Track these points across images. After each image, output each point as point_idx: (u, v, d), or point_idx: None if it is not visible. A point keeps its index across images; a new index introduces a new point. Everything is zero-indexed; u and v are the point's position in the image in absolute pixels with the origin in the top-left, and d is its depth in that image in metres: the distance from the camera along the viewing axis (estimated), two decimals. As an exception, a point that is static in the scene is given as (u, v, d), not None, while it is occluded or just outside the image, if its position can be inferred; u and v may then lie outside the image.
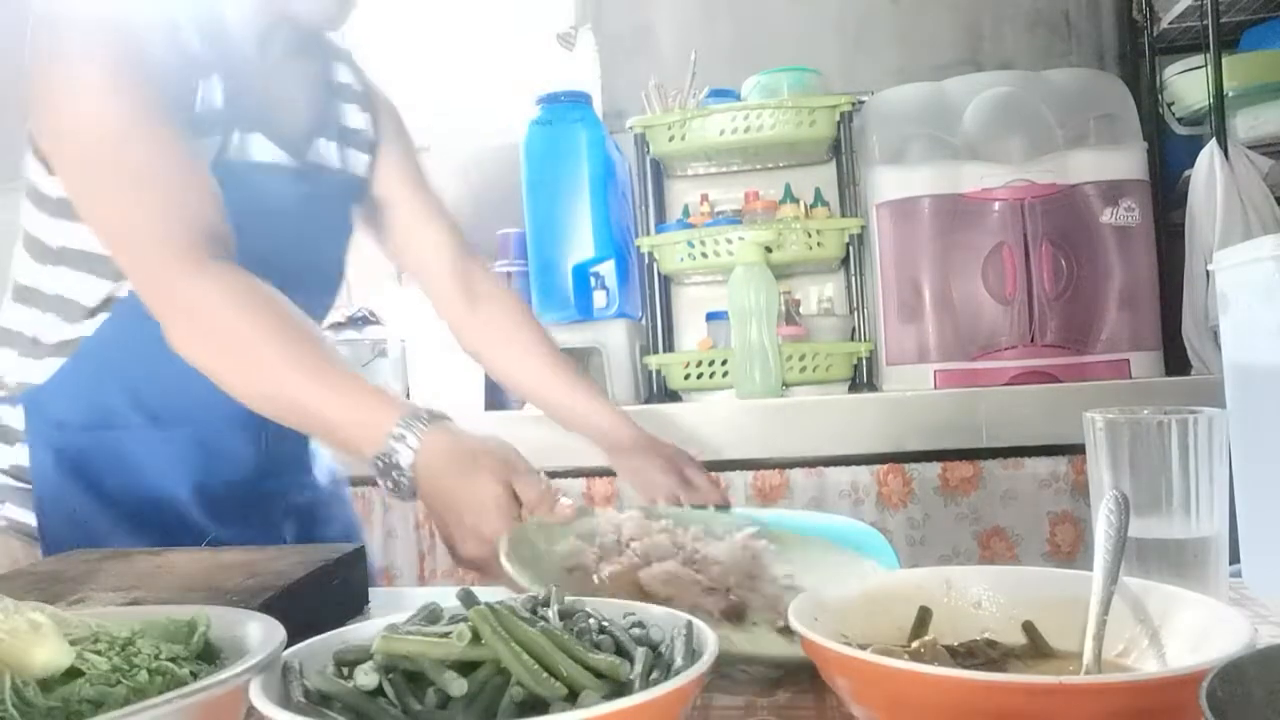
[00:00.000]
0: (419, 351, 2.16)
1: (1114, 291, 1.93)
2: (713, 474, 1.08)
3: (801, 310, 2.23)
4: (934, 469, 1.71)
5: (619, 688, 0.44)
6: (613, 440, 1.11)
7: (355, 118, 1.12)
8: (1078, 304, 1.92)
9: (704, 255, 2.06)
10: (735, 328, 1.94)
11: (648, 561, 0.70)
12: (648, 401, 2.09)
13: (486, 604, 0.47)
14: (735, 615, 0.66)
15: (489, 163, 2.42)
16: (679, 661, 0.46)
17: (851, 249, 2.08)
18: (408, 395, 2.17)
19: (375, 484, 1.03)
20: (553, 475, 1.84)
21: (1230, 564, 0.66)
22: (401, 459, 0.77)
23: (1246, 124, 2.05)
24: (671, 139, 2.11)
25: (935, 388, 1.93)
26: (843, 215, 2.12)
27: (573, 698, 0.43)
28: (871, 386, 2.03)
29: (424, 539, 1.86)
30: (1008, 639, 0.54)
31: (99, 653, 0.46)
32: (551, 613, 0.50)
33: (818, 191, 2.19)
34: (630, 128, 2.15)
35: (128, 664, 0.46)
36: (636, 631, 0.50)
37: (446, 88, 2.54)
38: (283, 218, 0.99)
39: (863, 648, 0.47)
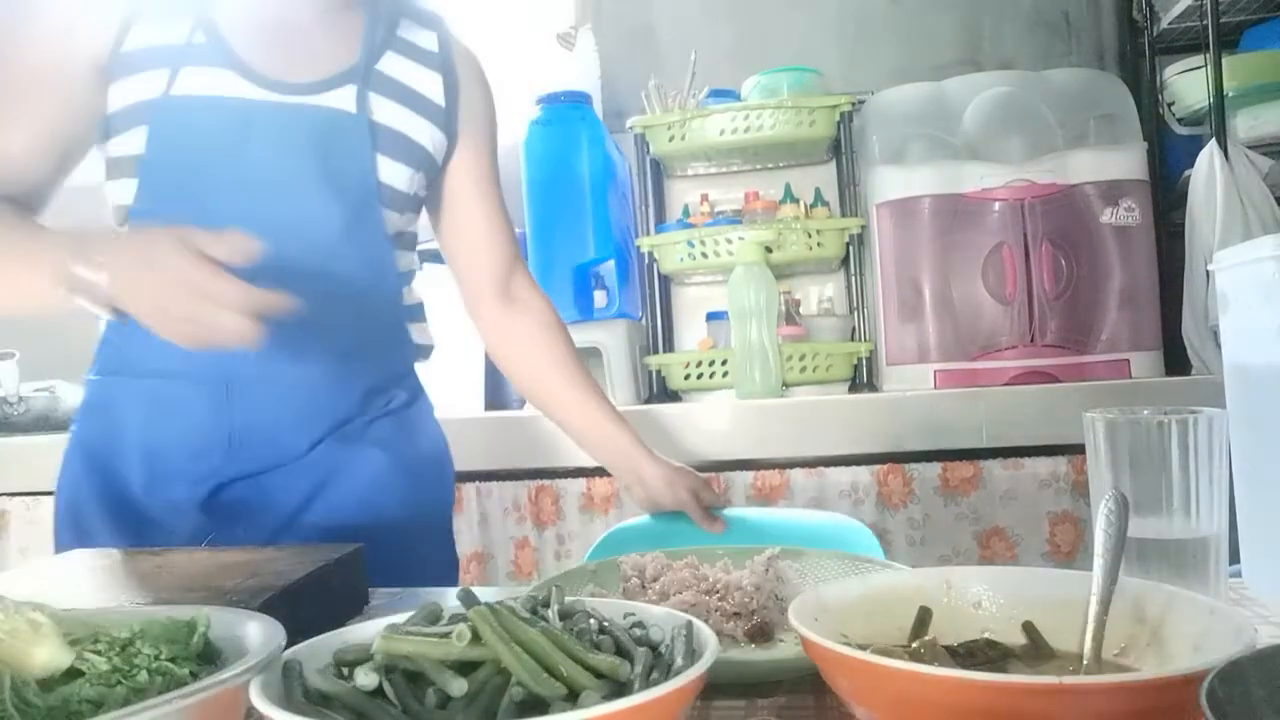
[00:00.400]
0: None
1: (1114, 291, 1.93)
2: (712, 475, 1.08)
3: (801, 310, 2.23)
4: (934, 469, 1.71)
5: (619, 688, 0.44)
6: (626, 470, 1.11)
7: (413, 75, 1.07)
8: (1078, 304, 1.92)
9: (704, 255, 2.06)
10: (735, 328, 1.94)
11: (666, 596, 0.70)
12: (648, 401, 2.09)
13: (486, 604, 0.47)
14: (761, 635, 0.66)
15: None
16: (679, 661, 0.46)
17: (851, 249, 2.08)
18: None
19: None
20: (553, 476, 1.84)
21: (1230, 564, 0.66)
22: (94, 277, 0.80)
23: (1246, 124, 2.05)
24: (671, 139, 2.11)
25: (935, 388, 1.93)
26: (843, 215, 2.12)
27: (573, 698, 0.43)
28: (871, 386, 2.04)
29: (424, 539, 1.86)
30: (1008, 639, 0.54)
31: (99, 653, 0.46)
32: (551, 613, 0.50)
33: (818, 191, 2.19)
34: (630, 128, 2.15)
35: (128, 664, 0.46)
36: (636, 631, 0.50)
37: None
38: (255, 152, 0.97)
39: (863, 648, 0.47)
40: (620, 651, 0.47)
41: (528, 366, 1.17)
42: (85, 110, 0.97)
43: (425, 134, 1.07)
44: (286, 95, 0.98)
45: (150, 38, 0.97)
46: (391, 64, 1.06)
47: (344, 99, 1.00)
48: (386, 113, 1.03)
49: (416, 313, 1.15)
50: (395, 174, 1.04)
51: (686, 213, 2.26)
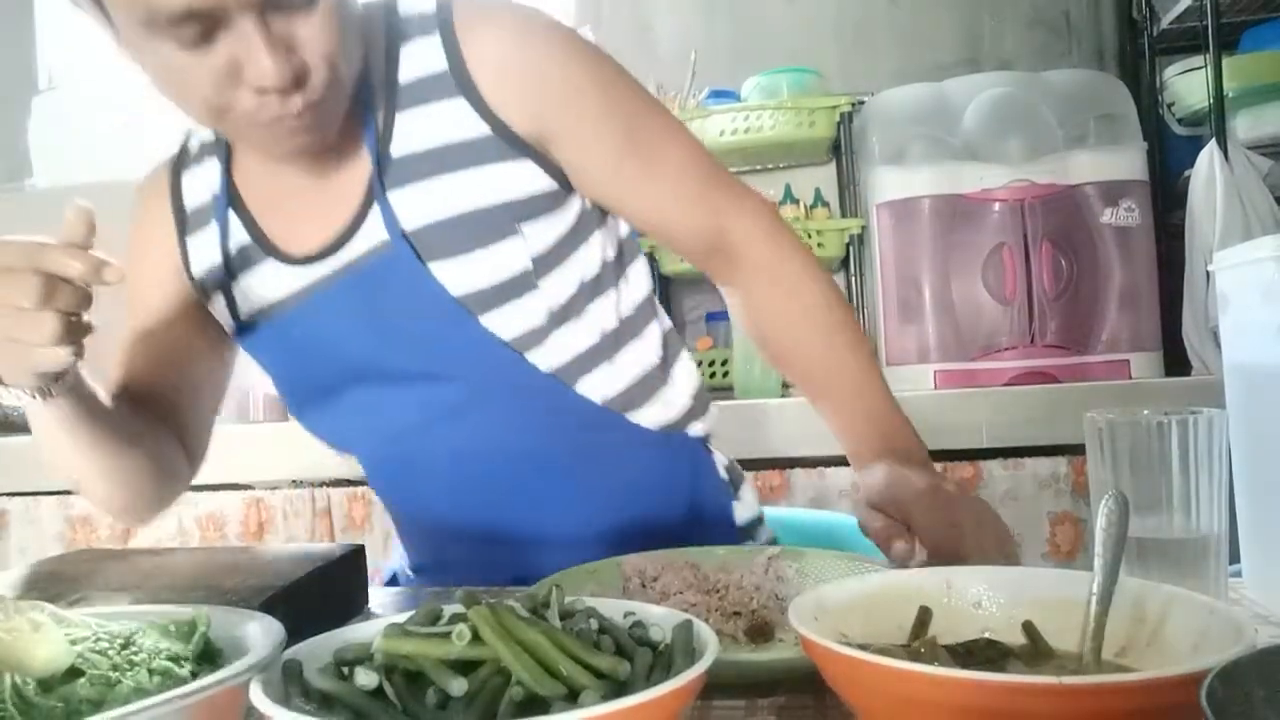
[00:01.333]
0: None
1: (1114, 291, 1.93)
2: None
3: (801, 310, 2.23)
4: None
5: (619, 688, 0.44)
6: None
7: (434, 126, 0.82)
8: (1078, 304, 1.93)
9: (704, 255, 2.06)
10: (735, 328, 1.94)
11: (666, 596, 0.70)
12: (648, 402, 2.09)
13: (487, 604, 0.47)
14: (760, 635, 0.66)
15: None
16: (679, 661, 0.46)
17: (851, 249, 2.09)
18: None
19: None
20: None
21: (1230, 564, 0.66)
22: None
23: (1246, 124, 2.06)
24: (671, 139, 2.11)
25: (935, 388, 1.93)
26: (843, 216, 2.12)
27: (573, 698, 0.43)
28: (871, 387, 2.03)
29: (424, 539, 1.86)
30: (1008, 639, 0.54)
31: (99, 653, 0.46)
32: (551, 613, 0.50)
33: (818, 192, 2.19)
34: (630, 128, 2.15)
35: (128, 664, 0.46)
36: (637, 631, 0.50)
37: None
38: (330, 337, 0.85)
39: (863, 648, 0.47)
40: (620, 651, 0.47)
41: (753, 332, 0.92)
42: (183, 321, 0.94)
43: (501, 182, 0.82)
44: (329, 260, 0.85)
45: (205, 255, 0.91)
46: (404, 133, 0.82)
47: (375, 227, 0.82)
48: (430, 204, 0.81)
49: (650, 388, 0.91)
50: (489, 264, 0.81)
51: (686, 213, 2.26)
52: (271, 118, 0.73)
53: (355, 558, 0.81)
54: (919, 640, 0.53)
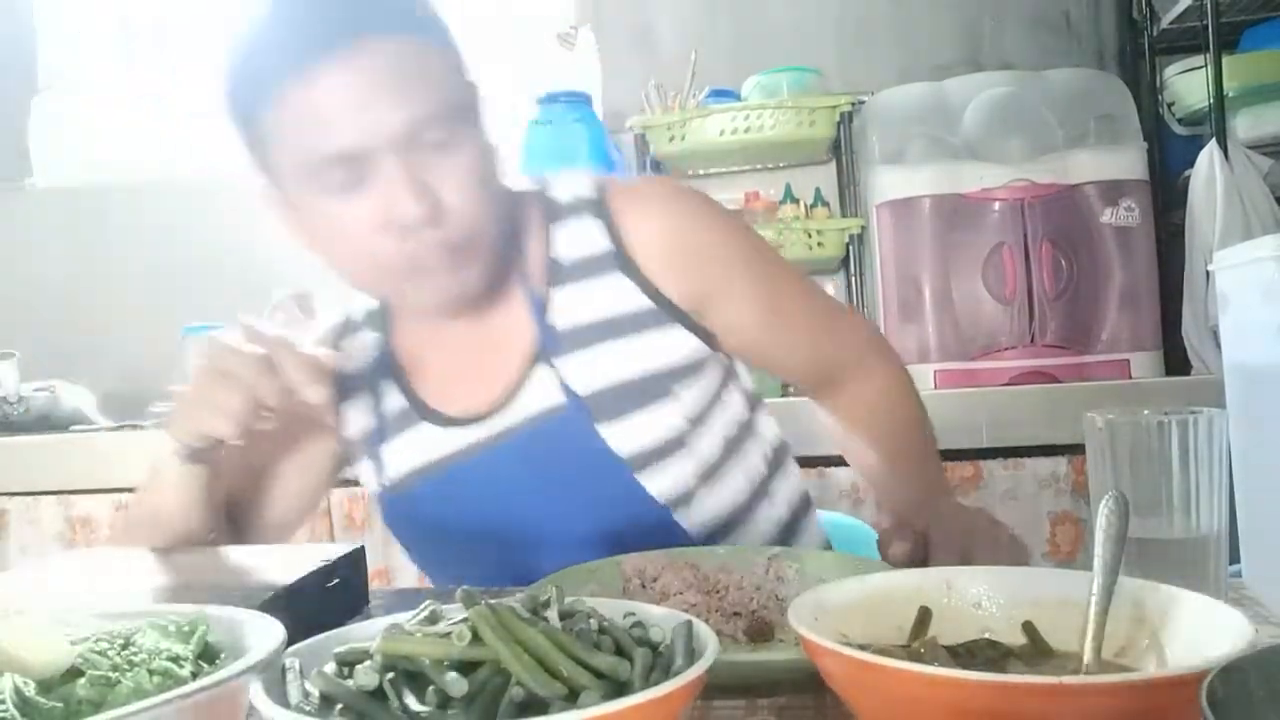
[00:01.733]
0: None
1: (1114, 291, 1.93)
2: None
3: (801, 310, 2.23)
4: (934, 469, 1.71)
5: (619, 688, 0.44)
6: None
7: (597, 300, 0.87)
8: (1078, 304, 1.93)
9: (704, 255, 2.06)
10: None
11: (666, 596, 0.70)
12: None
13: (487, 604, 0.47)
14: (760, 635, 0.66)
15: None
16: (679, 661, 0.46)
17: (851, 249, 2.09)
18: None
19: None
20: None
21: (1230, 564, 0.66)
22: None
23: (1246, 124, 2.05)
24: (671, 139, 2.11)
25: (935, 388, 1.93)
26: (843, 215, 2.12)
27: (573, 698, 0.43)
28: (871, 386, 2.03)
29: (424, 539, 1.86)
30: (1008, 639, 0.54)
31: (99, 653, 0.46)
32: (551, 613, 0.50)
33: (818, 191, 2.19)
34: (630, 128, 2.15)
35: (128, 664, 0.46)
36: (636, 631, 0.50)
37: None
38: (493, 502, 0.87)
39: (863, 648, 0.47)
40: (620, 651, 0.47)
41: (842, 423, 1.03)
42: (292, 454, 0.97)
43: (659, 348, 0.87)
44: (492, 421, 0.88)
45: (359, 420, 0.94)
46: (567, 305, 0.87)
47: (547, 390, 0.86)
48: (596, 370, 0.86)
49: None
50: (650, 425, 0.86)
51: (686, 213, 2.26)
52: (412, 257, 0.77)
53: (355, 558, 0.81)
54: (919, 640, 0.53)
